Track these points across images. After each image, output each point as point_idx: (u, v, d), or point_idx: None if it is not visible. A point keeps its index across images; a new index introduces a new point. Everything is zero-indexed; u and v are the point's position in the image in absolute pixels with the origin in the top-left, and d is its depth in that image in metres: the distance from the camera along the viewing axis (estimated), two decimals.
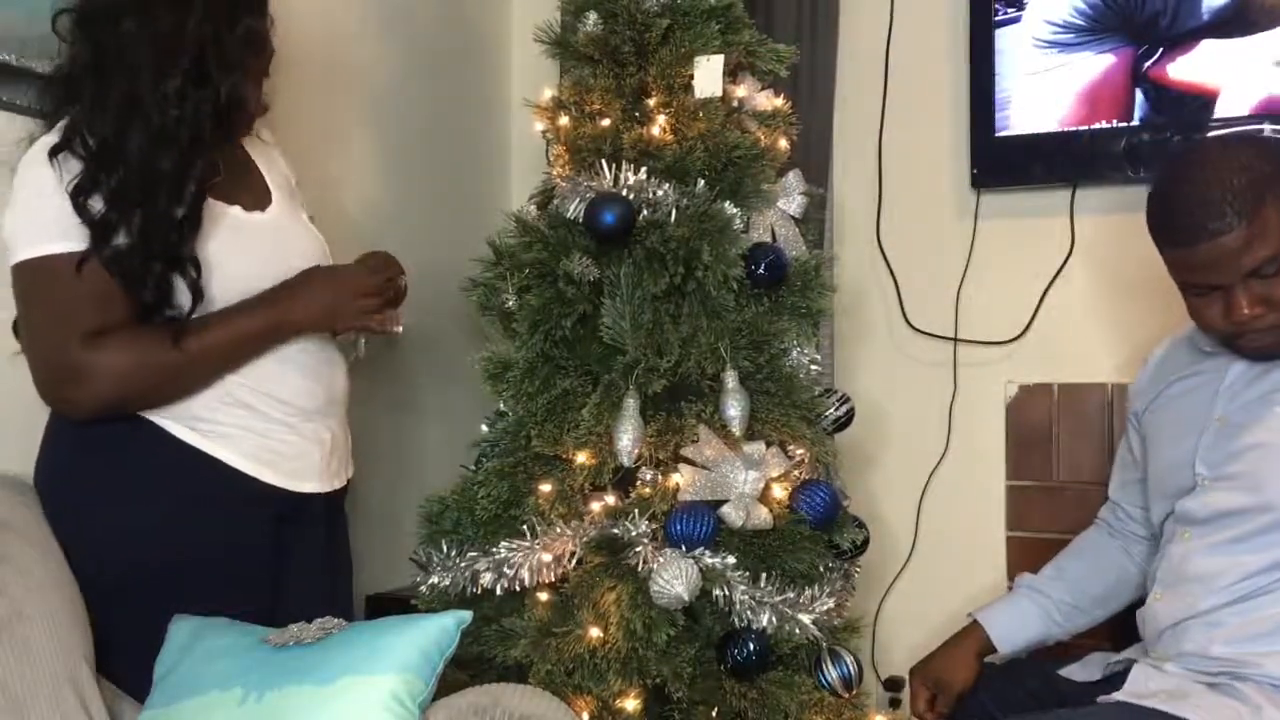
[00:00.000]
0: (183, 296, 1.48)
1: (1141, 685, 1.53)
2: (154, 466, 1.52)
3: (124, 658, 1.47)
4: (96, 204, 1.43)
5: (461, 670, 1.65)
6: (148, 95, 1.45)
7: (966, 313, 2.42)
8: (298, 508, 1.62)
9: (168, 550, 1.50)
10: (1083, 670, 1.69)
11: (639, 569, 1.66)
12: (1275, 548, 1.50)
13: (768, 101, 1.96)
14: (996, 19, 2.29)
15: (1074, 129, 2.25)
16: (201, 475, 1.53)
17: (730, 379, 1.73)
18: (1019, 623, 1.78)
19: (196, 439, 1.53)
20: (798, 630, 1.69)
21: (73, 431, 1.53)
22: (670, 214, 1.77)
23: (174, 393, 1.52)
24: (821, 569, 1.79)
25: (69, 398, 1.47)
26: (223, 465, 1.54)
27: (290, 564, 1.63)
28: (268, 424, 1.58)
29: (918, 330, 2.47)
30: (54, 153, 1.45)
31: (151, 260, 1.45)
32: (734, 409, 1.71)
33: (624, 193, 1.76)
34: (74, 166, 1.44)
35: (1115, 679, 1.60)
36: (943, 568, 2.43)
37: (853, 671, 1.76)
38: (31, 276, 1.46)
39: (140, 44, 1.45)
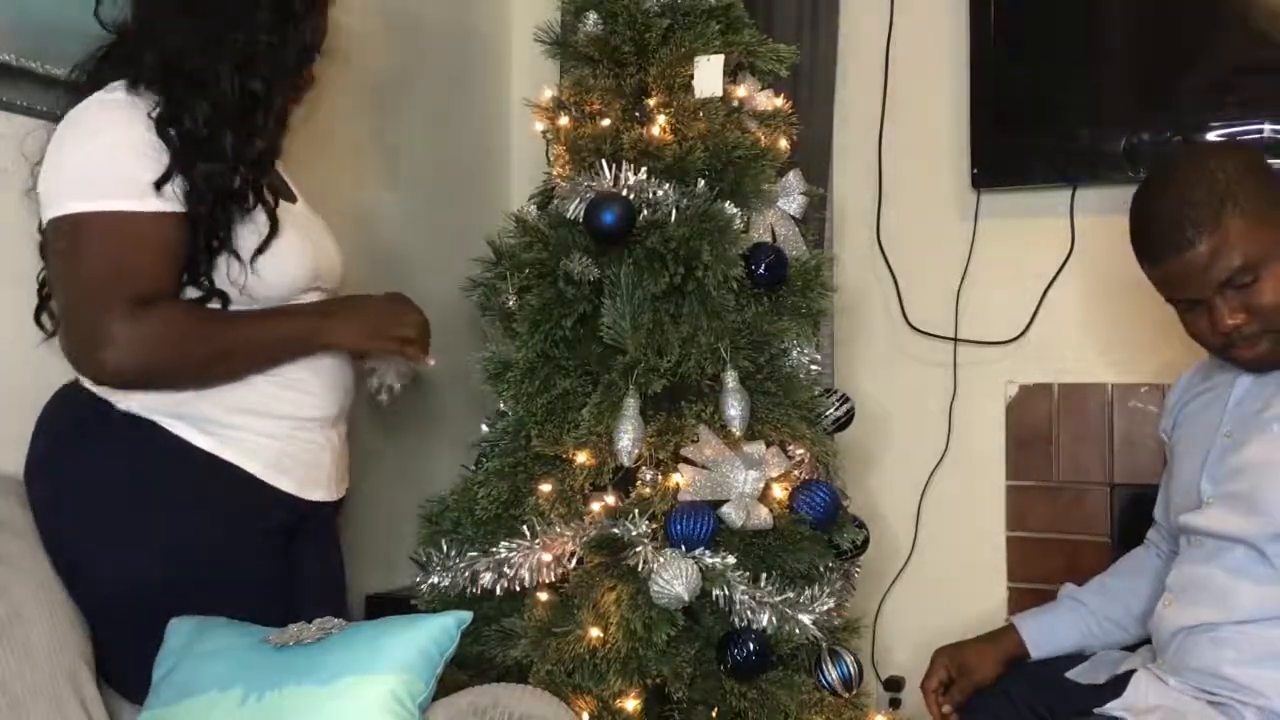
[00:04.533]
0: (235, 272, 1.48)
1: (1140, 698, 1.52)
2: (167, 474, 1.47)
3: (134, 672, 1.43)
4: (181, 131, 1.44)
5: (461, 670, 1.65)
6: (236, 29, 1.48)
7: (966, 313, 2.42)
8: (305, 517, 1.61)
9: (185, 561, 1.46)
10: (1089, 671, 1.68)
11: (639, 569, 1.66)
12: (1277, 568, 1.48)
13: (768, 101, 1.96)
14: None
15: (1074, 129, 2.25)
16: (217, 483, 1.49)
17: (730, 379, 1.73)
18: (1054, 629, 1.76)
19: (213, 444, 1.49)
20: (798, 630, 1.69)
21: (72, 439, 1.49)
22: (670, 214, 1.77)
23: (202, 376, 1.48)
24: (821, 569, 1.79)
25: (100, 360, 1.42)
26: (239, 471, 1.50)
27: (300, 574, 1.61)
28: (287, 429, 1.55)
29: (918, 330, 2.47)
30: (131, 86, 1.45)
31: (240, 186, 1.47)
32: (734, 409, 1.71)
33: (624, 193, 1.76)
34: (146, 106, 1.44)
35: (1119, 683, 1.59)
36: (943, 568, 2.44)
37: (853, 671, 1.76)
38: (80, 232, 1.41)
39: None
